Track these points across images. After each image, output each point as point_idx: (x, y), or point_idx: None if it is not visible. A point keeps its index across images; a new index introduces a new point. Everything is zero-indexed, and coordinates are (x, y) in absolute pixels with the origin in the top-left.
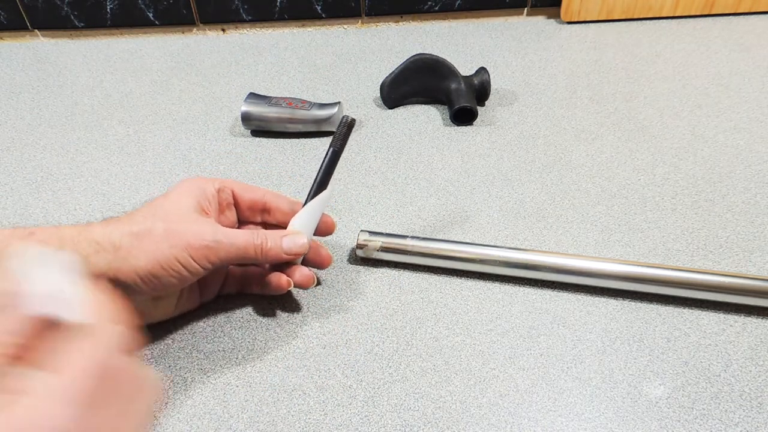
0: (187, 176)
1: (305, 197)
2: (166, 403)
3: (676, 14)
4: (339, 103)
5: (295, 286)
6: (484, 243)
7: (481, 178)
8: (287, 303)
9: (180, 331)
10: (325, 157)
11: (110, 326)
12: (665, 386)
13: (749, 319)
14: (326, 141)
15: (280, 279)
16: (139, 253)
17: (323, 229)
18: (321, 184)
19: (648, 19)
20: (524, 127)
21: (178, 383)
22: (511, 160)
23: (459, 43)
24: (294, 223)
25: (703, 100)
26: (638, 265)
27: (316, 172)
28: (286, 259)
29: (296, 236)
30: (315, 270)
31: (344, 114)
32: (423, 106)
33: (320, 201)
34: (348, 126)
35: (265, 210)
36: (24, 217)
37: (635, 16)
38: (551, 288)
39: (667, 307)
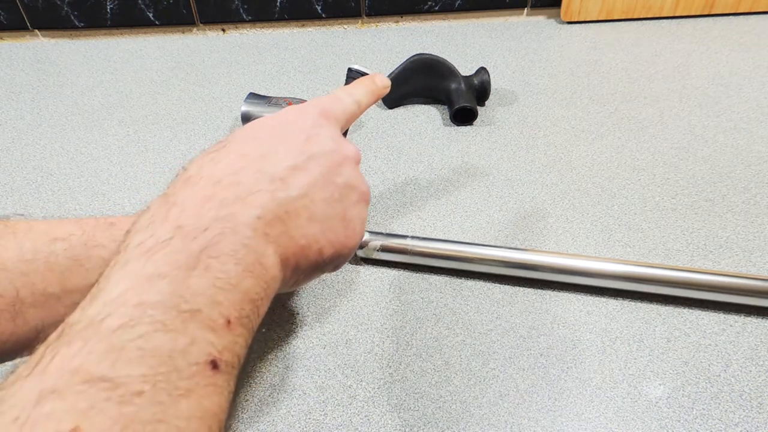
0: None
1: None
2: None
3: (676, 14)
4: None
5: None
6: (484, 243)
7: (481, 178)
8: (287, 303)
9: None
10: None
11: None
12: (665, 386)
13: (749, 319)
14: None
15: None
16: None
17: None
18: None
19: (648, 19)
20: (524, 127)
21: None
22: (511, 160)
23: (459, 43)
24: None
25: (702, 100)
26: (638, 265)
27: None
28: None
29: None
30: None
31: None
32: (423, 106)
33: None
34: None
35: None
36: (24, 217)
37: (635, 16)
38: (551, 288)
39: (667, 307)
